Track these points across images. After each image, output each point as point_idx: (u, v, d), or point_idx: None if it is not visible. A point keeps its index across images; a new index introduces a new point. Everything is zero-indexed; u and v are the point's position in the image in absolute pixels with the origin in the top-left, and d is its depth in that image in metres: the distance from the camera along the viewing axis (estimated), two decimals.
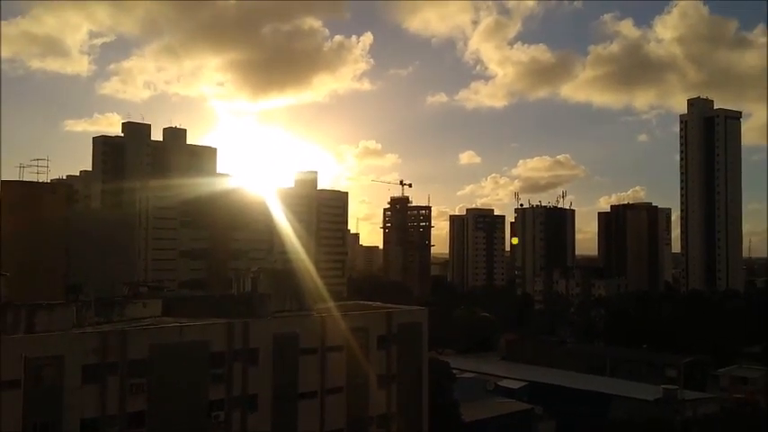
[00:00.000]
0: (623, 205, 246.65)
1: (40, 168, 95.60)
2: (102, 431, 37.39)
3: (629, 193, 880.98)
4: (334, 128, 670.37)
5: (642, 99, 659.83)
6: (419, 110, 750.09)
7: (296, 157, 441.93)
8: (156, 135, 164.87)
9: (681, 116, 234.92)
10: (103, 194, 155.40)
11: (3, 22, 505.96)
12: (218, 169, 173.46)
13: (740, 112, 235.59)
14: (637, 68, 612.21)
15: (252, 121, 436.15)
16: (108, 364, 37.71)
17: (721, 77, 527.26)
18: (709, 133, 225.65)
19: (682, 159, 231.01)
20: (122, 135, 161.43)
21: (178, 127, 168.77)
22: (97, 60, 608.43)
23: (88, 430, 36.95)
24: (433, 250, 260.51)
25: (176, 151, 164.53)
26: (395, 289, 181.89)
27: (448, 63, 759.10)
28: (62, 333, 38.35)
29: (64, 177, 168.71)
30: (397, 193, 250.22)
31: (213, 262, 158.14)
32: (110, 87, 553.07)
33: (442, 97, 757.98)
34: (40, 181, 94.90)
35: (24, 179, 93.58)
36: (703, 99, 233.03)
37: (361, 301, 62.84)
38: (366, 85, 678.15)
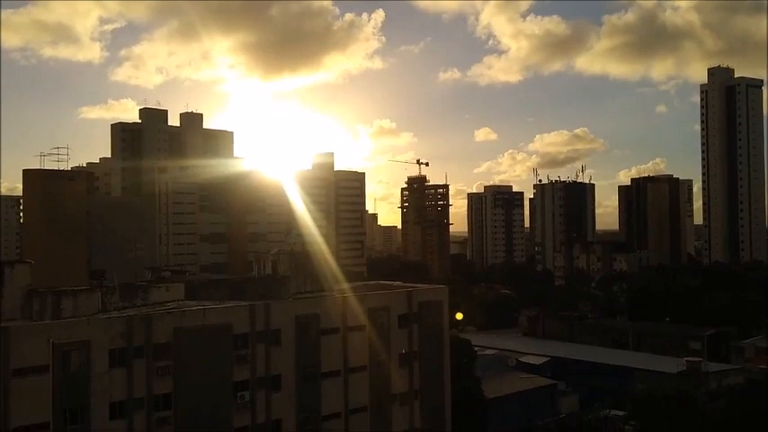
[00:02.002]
0: (644, 178, 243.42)
1: (60, 156, 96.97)
2: (130, 414, 38.03)
3: (649, 165, 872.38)
4: (347, 108, 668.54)
5: (659, 69, 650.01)
6: (432, 87, 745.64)
7: (311, 138, 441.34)
8: (172, 120, 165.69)
9: (701, 86, 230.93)
10: (123, 181, 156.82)
11: (13, 10, 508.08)
12: (235, 152, 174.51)
13: (762, 80, 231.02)
14: (653, 38, 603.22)
15: (265, 103, 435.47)
16: (134, 348, 38.27)
17: (740, 44, 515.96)
18: (730, 102, 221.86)
19: (703, 130, 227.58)
20: (140, 121, 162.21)
21: (194, 112, 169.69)
22: (108, 47, 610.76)
23: (117, 413, 37.59)
24: (451, 228, 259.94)
25: (193, 136, 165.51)
26: (414, 268, 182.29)
27: (460, 38, 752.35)
28: (88, 318, 38.87)
29: (84, 165, 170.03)
30: (413, 172, 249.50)
31: (233, 245, 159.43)
32: (122, 73, 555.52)
33: (455, 73, 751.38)
34: (61, 169, 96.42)
35: (45, 167, 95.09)
36: (724, 68, 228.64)
37: (382, 281, 63.02)
38: (378, 64, 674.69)
